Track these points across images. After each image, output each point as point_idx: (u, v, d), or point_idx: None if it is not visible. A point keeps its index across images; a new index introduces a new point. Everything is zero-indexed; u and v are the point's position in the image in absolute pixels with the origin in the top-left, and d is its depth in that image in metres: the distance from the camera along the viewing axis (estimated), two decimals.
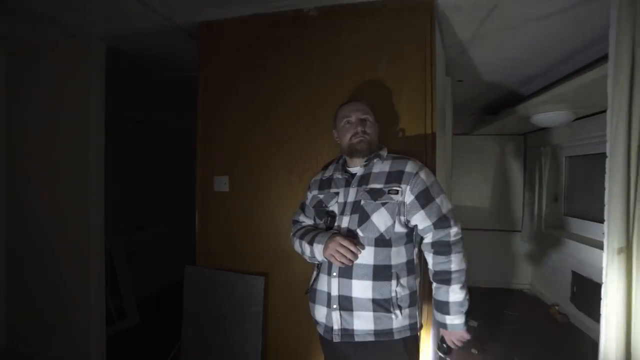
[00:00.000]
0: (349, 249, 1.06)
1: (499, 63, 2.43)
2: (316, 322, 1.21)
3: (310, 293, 1.23)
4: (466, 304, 1.10)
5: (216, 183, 1.66)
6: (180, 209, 3.13)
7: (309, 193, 1.32)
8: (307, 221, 1.32)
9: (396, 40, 1.42)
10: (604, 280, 1.21)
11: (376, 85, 1.43)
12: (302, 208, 1.34)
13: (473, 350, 2.59)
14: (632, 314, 1.13)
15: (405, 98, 1.39)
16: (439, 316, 1.12)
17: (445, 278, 1.09)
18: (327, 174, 1.29)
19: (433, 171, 1.33)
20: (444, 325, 1.12)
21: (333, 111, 1.30)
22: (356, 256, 1.07)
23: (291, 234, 1.31)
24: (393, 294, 1.09)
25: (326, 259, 1.12)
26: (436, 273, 1.11)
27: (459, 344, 1.14)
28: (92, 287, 1.83)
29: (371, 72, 1.44)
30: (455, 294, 1.08)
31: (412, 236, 1.16)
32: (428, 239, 1.12)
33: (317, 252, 1.14)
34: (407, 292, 1.12)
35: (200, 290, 1.67)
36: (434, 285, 1.13)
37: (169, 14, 1.67)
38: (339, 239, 1.08)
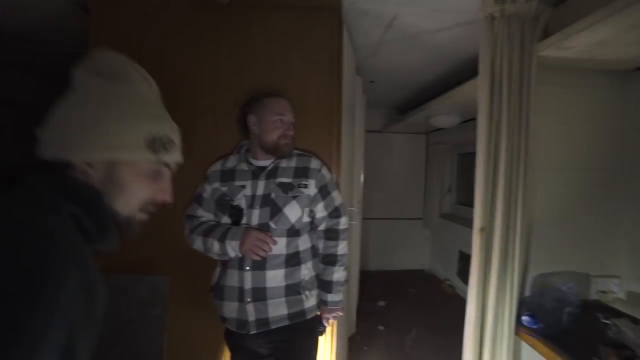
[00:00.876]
0: (265, 242, 1.09)
1: (404, 67, 2.70)
2: (225, 319, 1.19)
3: (215, 291, 1.20)
4: (345, 284, 1.29)
5: None
6: None
7: (207, 185, 1.25)
8: (206, 215, 1.26)
9: (306, 37, 1.46)
10: (472, 255, 1.47)
11: (286, 78, 1.45)
12: (199, 201, 1.27)
13: (380, 327, 2.88)
14: (488, 280, 1.41)
15: (314, 93, 1.45)
16: (322, 294, 1.25)
17: (332, 260, 1.24)
18: (229, 164, 1.25)
19: (337, 165, 1.44)
20: (325, 302, 1.24)
21: (242, 101, 1.27)
22: (271, 248, 1.11)
23: (187, 230, 1.24)
24: (302, 277, 1.18)
25: (242, 254, 1.11)
26: (325, 256, 1.25)
27: (334, 320, 1.31)
28: None
29: (281, 65, 1.46)
30: (338, 274, 1.24)
31: (313, 224, 1.26)
32: (322, 226, 1.25)
33: (231, 248, 1.12)
34: (312, 274, 1.23)
35: None
36: (322, 267, 1.25)
37: None
38: (255, 233, 1.10)
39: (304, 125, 1.45)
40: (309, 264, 1.22)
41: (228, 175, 1.23)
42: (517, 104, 1.39)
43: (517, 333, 1.41)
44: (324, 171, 1.26)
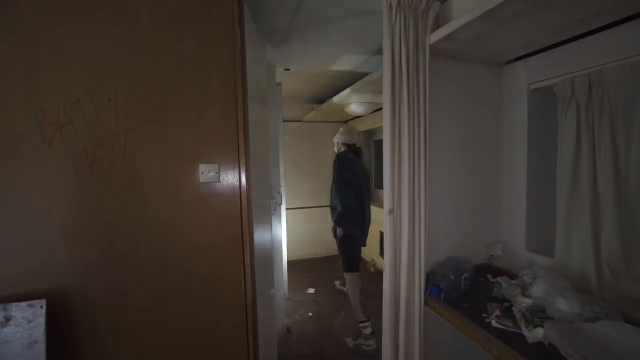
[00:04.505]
0: None
1: (318, 55, 2.68)
2: None
3: None
4: None
5: None
6: None
7: None
8: None
9: (203, 18, 1.30)
10: (384, 236, 1.55)
11: (183, 63, 1.28)
12: None
13: (309, 314, 2.92)
14: (399, 259, 1.50)
15: (215, 80, 1.31)
16: None
17: None
18: None
19: (245, 155, 1.33)
20: None
21: (134, 91, 1.11)
22: None
23: None
24: None
25: None
26: None
27: None
28: None
29: (176, 47, 1.28)
30: None
31: None
32: None
33: None
34: None
35: None
36: None
37: None
38: None
39: (205, 114, 1.32)
40: None
41: None
42: (415, 91, 1.47)
43: (426, 303, 1.54)
44: None
